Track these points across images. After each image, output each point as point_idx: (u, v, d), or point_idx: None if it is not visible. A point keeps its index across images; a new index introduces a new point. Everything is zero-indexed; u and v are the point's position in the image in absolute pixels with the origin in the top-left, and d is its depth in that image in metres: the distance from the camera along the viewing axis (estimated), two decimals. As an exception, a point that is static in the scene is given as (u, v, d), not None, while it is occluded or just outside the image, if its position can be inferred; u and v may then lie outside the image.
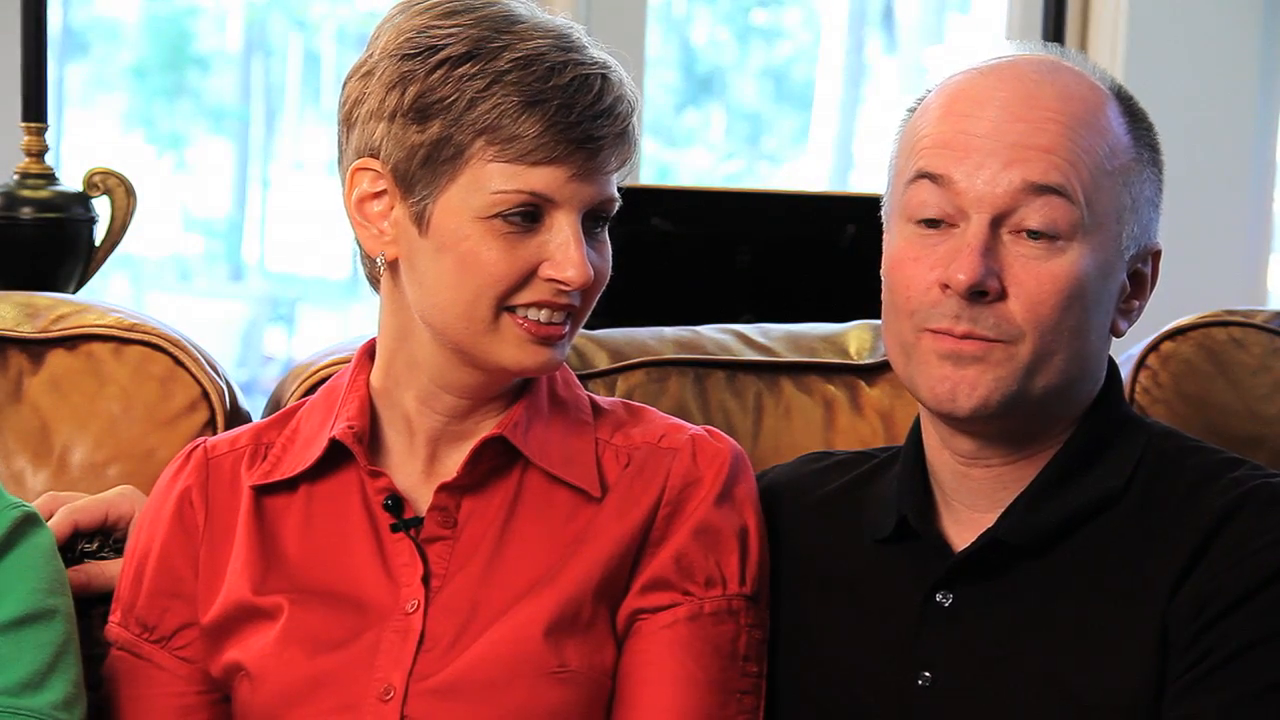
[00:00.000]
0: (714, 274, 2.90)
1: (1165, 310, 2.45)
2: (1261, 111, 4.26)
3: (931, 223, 1.84)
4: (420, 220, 1.87)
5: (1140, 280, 1.90)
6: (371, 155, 1.88)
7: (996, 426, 1.86)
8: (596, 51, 1.88)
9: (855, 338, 2.35)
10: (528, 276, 1.86)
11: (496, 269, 1.85)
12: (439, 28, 1.86)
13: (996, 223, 1.82)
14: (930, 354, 1.84)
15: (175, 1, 6.42)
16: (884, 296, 1.89)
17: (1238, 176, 4.25)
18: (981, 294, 1.81)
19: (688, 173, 6.18)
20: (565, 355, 1.91)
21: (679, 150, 6.24)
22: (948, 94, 1.87)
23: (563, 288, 1.86)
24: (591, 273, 1.86)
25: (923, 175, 1.85)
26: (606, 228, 1.91)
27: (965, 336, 1.82)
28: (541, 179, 1.84)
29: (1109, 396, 1.91)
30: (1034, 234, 1.82)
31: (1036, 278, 1.81)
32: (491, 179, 1.84)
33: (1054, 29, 3.25)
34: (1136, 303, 1.90)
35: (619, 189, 1.91)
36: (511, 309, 1.86)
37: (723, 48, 6.25)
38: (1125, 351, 2.36)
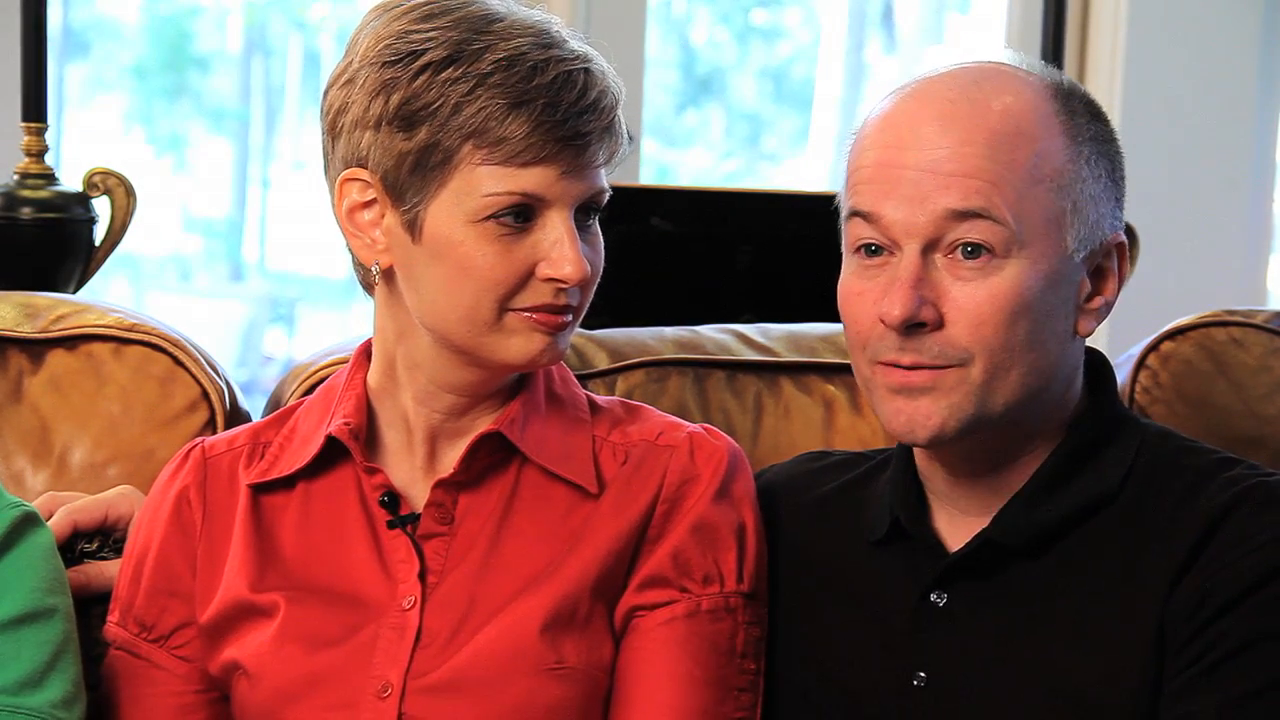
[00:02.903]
0: (714, 274, 2.90)
1: (1165, 310, 2.46)
2: (1261, 111, 4.26)
3: (872, 251, 1.85)
4: (413, 228, 1.87)
5: (1104, 275, 1.88)
6: (359, 165, 1.88)
7: (966, 446, 1.86)
8: (576, 45, 1.87)
9: (855, 337, 2.35)
10: (525, 277, 1.86)
11: (494, 272, 1.85)
12: (418, 32, 1.85)
13: (928, 249, 1.82)
14: (883, 388, 1.84)
15: (175, 1, 6.42)
16: (843, 329, 1.89)
17: (1238, 176, 4.24)
18: (919, 325, 1.81)
19: (688, 173, 6.18)
20: (567, 348, 1.91)
21: (679, 150, 6.23)
22: (874, 124, 1.87)
23: (561, 286, 1.86)
24: (588, 268, 1.86)
25: (855, 213, 1.85)
26: (597, 220, 1.90)
27: (913, 367, 1.82)
28: (532, 179, 1.84)
29: (1101, 397, 1.91)
30: (968, 254, 1.81)
31: (974, 300, 1.81)
32: (482, 182, 1.84)
33: (1054, 29, 3.25)
34: (1101, 299, 1.88)
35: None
36: (514, 310, 1.87)
37: (722, 48, 6.24)
38: (1125, 352, 2.36)
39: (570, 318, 1.89)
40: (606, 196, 1.90)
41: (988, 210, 1.80)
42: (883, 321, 1.82)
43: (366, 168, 1.87)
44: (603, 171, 1.88)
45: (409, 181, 1.85)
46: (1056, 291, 1.83)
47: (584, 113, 1.84)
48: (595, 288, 1.91)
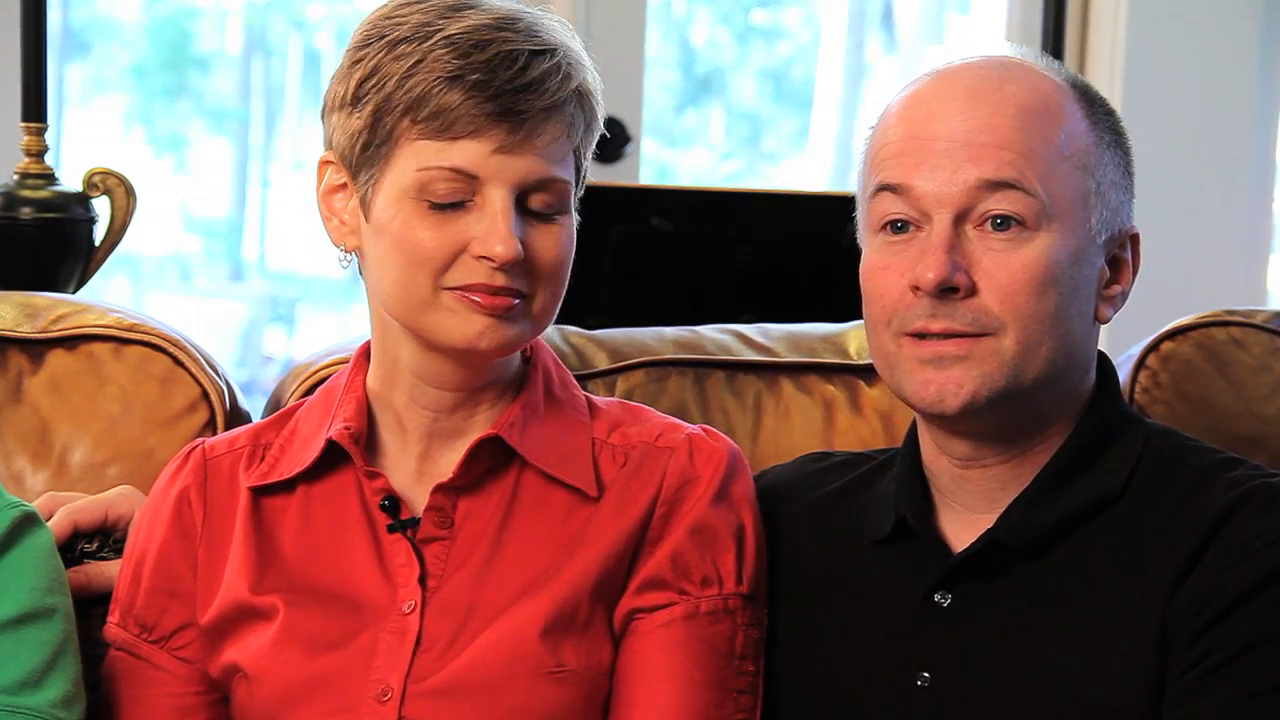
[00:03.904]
0: (714, 274, 2.90)
1: (1165, 310, 2.46)
2: (1261, 111, 4.26)
3: (898, 228, 1.85)
4: (365, 207, 1.88)
5: (1120, 265, 1.90)
6: (330, 147, 1.90)
7: (989, 423, 1.86)
8: (546, 35, 1.86)
9: (855, 338, 2.35)
10: (457, 254, 1.84)
11: (424, 247, 1.84)
12: (391, 17, 1.87)
13: (959, 220, 1.83)
14: (912, 361, 1.84)
15: (175, 2, 6.42)
16: (863, 309, 1.89)
17: (1238, 176, 4.25)
18: (952, 290, 1.81)
19: (688, 173, 6.18)
20: (519, 335, 1.87)
21: (679, 150, 6.24)
22: (902, 103, 1.89)
23: (491, 264, 1.84)
24: (519, 248, 1.83)
25: (884, 187, 1.86)
26: (561, 211, 1.88)
27: (944, 334, 1.82)
28: (463, 153, 1.83)
29: (1105, 395, 1.91)
30: (998, 226, 1.82)
31: (1006, 269, 1.82)
32: (417, 156, 1.84)
33: (1054, 29, 3.25)
34: (1119, 288, 1.90)
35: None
36: (448, 288, 1.85)
37: (722, 48, 6.25)
38: (1125, 351, 2.36)
39: (515, 301, 1.85)
40: (565, 186, 1.87)
41: (1019, 181, 1.82)
42: (917, 288, 1.82)
43: (334, 149, 1.89)
44: (549, 153, 1.85)
45: (361, 160, 1.87)
46: (1081, 270, 1.84)
47: (521, 90, 1.83)
48: (557, 281, 1.88)
